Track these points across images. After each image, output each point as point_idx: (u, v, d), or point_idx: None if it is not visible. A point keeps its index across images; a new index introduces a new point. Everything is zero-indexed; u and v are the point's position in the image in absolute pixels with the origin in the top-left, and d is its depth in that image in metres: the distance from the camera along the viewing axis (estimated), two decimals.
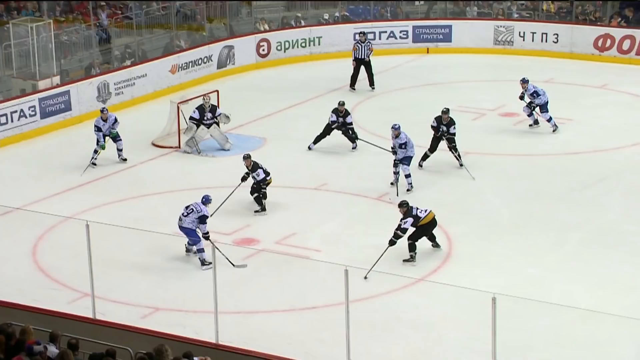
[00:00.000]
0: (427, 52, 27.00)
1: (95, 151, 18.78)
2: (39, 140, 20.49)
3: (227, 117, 19.75)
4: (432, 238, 15.06)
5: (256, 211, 16.49)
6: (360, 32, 23.99)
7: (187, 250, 14.90)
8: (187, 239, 14.72)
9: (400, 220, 14.51)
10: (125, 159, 19.08)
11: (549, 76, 24.44)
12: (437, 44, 27.03)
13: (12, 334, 10.23)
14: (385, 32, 26.78)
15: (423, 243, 14.89)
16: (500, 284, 13.18)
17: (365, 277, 13.91)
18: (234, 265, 14.24)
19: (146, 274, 14.49)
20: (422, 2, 28.16)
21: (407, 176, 17.44)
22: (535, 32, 26.37)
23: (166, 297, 13.80)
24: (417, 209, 14.65)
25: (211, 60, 24.79)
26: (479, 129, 20.89)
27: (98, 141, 18.80)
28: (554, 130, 20.35)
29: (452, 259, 14.88)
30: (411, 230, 14.62)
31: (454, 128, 18.38)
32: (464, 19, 27.41)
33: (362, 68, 23.40)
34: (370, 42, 23.58)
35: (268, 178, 16.58)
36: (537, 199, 17.12)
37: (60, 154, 19.62)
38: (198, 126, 19.47)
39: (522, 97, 20.67)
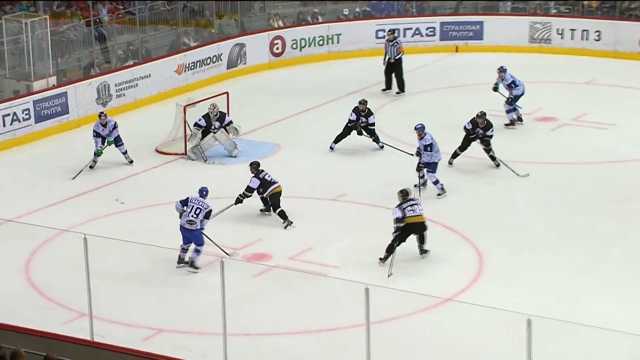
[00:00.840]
0: (456, 51, 27.01)
1: (94, 160, 18.94)
2: (33, 146, 20.63)
3: (237, 129, 19.85)
4: (421, 238, 15.29)
5: (286, 226, 16.48)
6: (389, 30, 24.01)
7: (181, 261, 14.92)
8: (179, 249, 14.77)
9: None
10: (132, 161, 19.25)
11: (590, 77, 24.40)
12: (467, 42, 27.03)
13: (3, 357, 10.29)
14: (411, 29, 26.81)
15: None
16: (534, 304, 13.17)
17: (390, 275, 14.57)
18: (228, 255, 14.54)
19: (149, 292, 14.55)
20: None
21: (435, 182, 17.54)
22: (575, 30, 26.33)
23: (170, 317, 13.84)
24: (413, 206, 15.00)
25: (220, 60, 24.88)
26: (512, 134, 20.86)
27: (96, 147, 18.95)
28: (507, 125, 20.68)
29: (482, 276, 14.86)
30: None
31: (492, 131, 18.56)
32: (496, 14, 27.40)
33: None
34: (398, 42, 23.56)
35: (271, 189, 16.56)
36: (574, 210, 17.08)
37: (57, 161, 19.73)
38: (205, 134, 19.57)
39: (495, 89, 21.06)
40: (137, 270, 15.00)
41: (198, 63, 24.36)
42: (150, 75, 23.27)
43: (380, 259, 15.12)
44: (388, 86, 23.60)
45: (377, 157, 19.41)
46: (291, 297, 14.21)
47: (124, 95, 22.73)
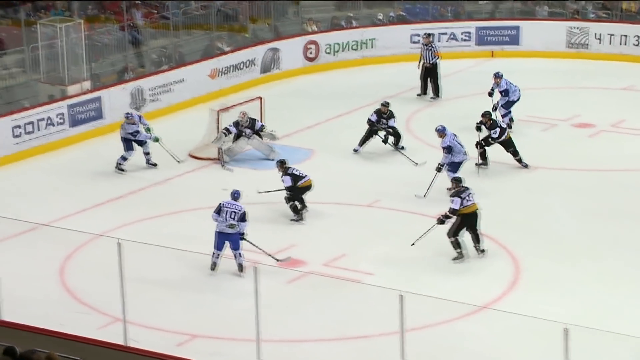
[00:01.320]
0: (492, 56, 26.91)
1: (147, 152, 19.35)
2: (67, 150, 20.78)
3: (273, 134, 19.94)
4: (476, 238, 15.38)
5: (292, 219, 16.78)
6: (425, 34, 24.00)
7: (214, 266, 14.97)
8: (214, 254, 14.83)
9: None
10: (155, 164, 19.37)
11: (629, 83, 24.23)
12: (503, 47, 26.92)
13: None
14: (446, 33, 26.76)
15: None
16: (572, 313, 13.09)
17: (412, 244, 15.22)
18: (278, 260, 14.78)
19: (182, 297, 14.61)
20: (486, 1, 28.10)
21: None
22: (613, 34, 26.16)
23: (204, 322, 13.89)
24: (468, 195, 15.25)
25: (254, 64, 24.95)
26: (549, 140, 20.78)
27: (142, 142, 19.23)
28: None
29: (519, 284, 14.79)
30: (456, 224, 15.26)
31: (495, 132, 18.65)
32: (533, 19, 27.29)
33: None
34: (434, 46, 23.53)
35: (301, 182, 16.75)
36: (613, 218, 16.96)
37: (91, 166, 19.87)
38: (237, 137, 19.62)
39: (491, 94, 21.14)
40: (171, 276, 15.07)
41: (232, 68, 24.44)
42: (184, 80, 23.38)
43: (458, 257, 15.36)
44: (423, 91, 23.57)
45: (412, 166, 19.32)
46: (325, 303, 14.21)
47: (158, 99, 22.86)
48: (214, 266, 15.03)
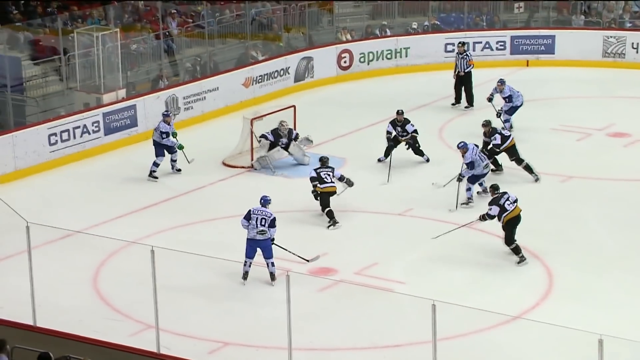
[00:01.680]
0: (527, 65, 26.81)
1: (174, 160, 19.59)
2: (102, 158, 20.92)
3: (309, 139, 20.01)
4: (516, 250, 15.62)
5: (329, 226, 17.01)
6: (459, 43, 23.96)
7: (246, 275, 15.00)
8: (246, 263, 14.86)
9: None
10: (180, 169, 19.56)
11: None
12: (538, 56, 26.81)
13: None
14: (481, 42, 26.69)
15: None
16: (607, 324, 12.95)
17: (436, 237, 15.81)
18: (307, 260, 14.86)
19: (214, 305, 14.65)
20: (521, 10, 27.99)
21: (467, 190, 17.73)
22: None
23: (235, 330, 13.92)
24: (507, 199, 15.53)
25: (288, 73, 25.01)
26: (584, 150, 20.66)
27: (171, 149, 19.43)
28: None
29: (552, 294, 14.70)
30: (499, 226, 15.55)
31: (495, 139, 18.63)
32: (568, 28, 27.15)
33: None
34: (468, 54, 23.49)
35: (324, 185, 17.17)
36: None
37: (125, 173, 19.99)
38: (273, 146, 19.74)
39: (490, 99, 21.28)
40: (203, 283, 15.12)
41: (265, 76, 24.52)
42: (218, 88, 23.48)
43: (520, 261, 15.54)
44: (457, 100, 23.52)
45: (443, 171, 19.26)
46: (357, 312, 14.20)
47: (192, 108, 22.97)
48: (245, 275, 15.04)
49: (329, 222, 17.07)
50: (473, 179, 17.75)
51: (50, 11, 24.26)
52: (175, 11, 25.33)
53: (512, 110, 21.26)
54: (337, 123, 22.25)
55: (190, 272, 15.14)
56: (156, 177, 19.50)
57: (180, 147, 19.65)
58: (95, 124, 21.12)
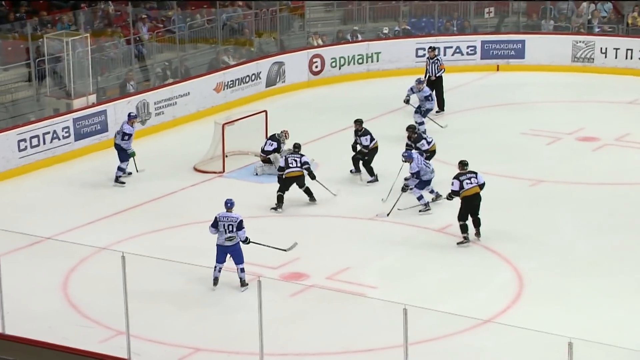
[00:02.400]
0: (497, 70, 26.91)
1: (123, 166, 19.41)
2: (72, 163, 20.79)
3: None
4: (476, 222, 16.16)
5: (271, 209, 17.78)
6: (429, 47, 23.96)
7: (217, 282, 14.91)
8: (216, 268, 14.79)
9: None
10: (130, 173, 19.67)
11: (634, 97, 24.22)
12: (508, 61, 26.93)
13: None
14: (451, 47, 26.77)
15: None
16: (578, 328, 13.03)
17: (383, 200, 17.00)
18: (285, 250, 15.04)
19: (185, 311, 14.58)
20: (492, 15, 28.11)
21: (419, 198, 17.73)
22: (619, 48, 26.14)
23: (207, 336, 13.85)
24: (468, 178, 16.14)
25: (259, 78, 24.97)
26: (554, 154, 20.74)
27: (125, 155, 19.37)
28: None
29: (523, 298, 14.73)
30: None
31: (422, 144, 18.74)
32: (538, 33, 27.27)
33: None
34: (439, 59, 23.53)
35: (287, 171, 17.78)
36: (619, 232, 16.91)
37: (95, 179, 19.87)
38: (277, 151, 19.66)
39: (407, 101, 21.58)
40: (174, 289, 15.04)
41: (237, 81, 24.46)
42: (189, 93, 23.40)
43: (463, 241, 16.16)
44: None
45: None
46: (329, 317, 14.17)
47: (163, 113, 22.87)
48: (216, 281, 14.97)
49: (275, 205, 17.56)
50: (420, 185, 17.73)
51: (20, 16, 24.07)
52: (146, 16, 25.21)
53: (425, 113, 21.50)
54: (309, 128, 22.22)
55: (161, 278, 15.06)
56: (123, 182, 19.39)
57: (132, 155, 19.46)
58: (65, 130, 20.98)
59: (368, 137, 19.24)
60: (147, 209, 18.41)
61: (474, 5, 27.69)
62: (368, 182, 19.12)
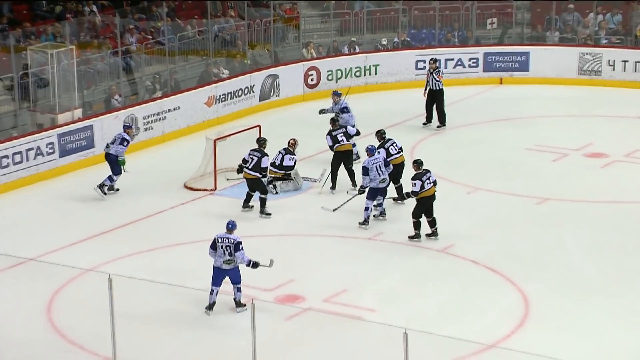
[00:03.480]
0: (501, 83, 26.97)
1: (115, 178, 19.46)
2: (57, 181, 20.77)
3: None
4: (432, 223, 16.97)
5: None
6: (431, 59, 23.91)
7: (211, 306, 14.84)
8: (212, 292, 14.73)
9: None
10: (118, 189, 19.69)
11: None
12: (512, 74, 26.99)
13: None
14: (452, 59, 26.84)
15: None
16: (585, 352, 13.00)
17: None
18: (269, 265, 14.96)
19: (176, 335, 14.52)
20: (494, 26, 28.20)
21: (365, 209, 17.87)
22: (627, 61, 26.23)
23: None
24: (428, 178, 16.89)
25: (253, 92, 25.00)
26: (561, 171, 20.75)
27: (117, 168, 19.45)
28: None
29: (528, 322, 14.69)
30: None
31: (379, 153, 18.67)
32: (543, 45, 27.35)
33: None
34: (440, 71, 23.48)
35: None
36: (629, 253, 16.90)
37: (81, 197, 19.84)
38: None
39: (323, 111, 21.66)
40: (164, 312, 14.98)
41: (229, 95, 24.49)
42: (179, 107, 23.41)
43: (414, 236, 17.07)
44: (429, 120, 23.56)
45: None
46: (325, 341, 14.13)
47: (152, 128, 22.87)
48: (211, 307, 14.85)
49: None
50: (371, 194, 17.83)
51: (1, 27, 24.08)
52: (134, 27, 25.24)
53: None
54: (305, 143, 22.14)
55: (149, 301, 15.01)
56: (104, 193, 19.48)
57: (122, 163, 19.46)
58: (49, 146, 20.96)
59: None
60: (135, 228, 18.38)
61: (476, 16, 27.77)
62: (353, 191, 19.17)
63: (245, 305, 14.77)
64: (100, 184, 19.53)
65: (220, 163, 20.07)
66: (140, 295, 14.83)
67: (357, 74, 26.56)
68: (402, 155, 18.83)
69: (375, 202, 17.92)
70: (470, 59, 26.96)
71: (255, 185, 18.47)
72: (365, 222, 17.92)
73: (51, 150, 20.99)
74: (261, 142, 18.77)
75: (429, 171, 17.08)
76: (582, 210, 18.63)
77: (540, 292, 15.48)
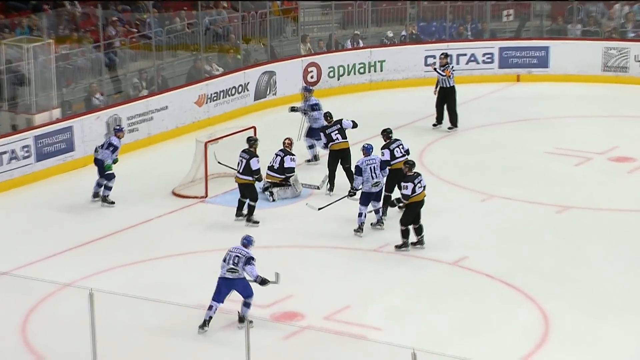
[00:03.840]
0: (518, 80, 27.01)
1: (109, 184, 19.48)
2: (33, 187, 20.77)
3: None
4: (419, 230, 17.22)
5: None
6: (442, 54, 23.82)
7: (207, 323, 14.79)
8: (212, 307, 14.69)
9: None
10: (113, 202, 19.55)
11: None
12: (530, 70, 27.03)
13: None
14: (465, 54, 26.87)
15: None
16: None
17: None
18: (276, 280, 14.84)
19: (162, 356, 14.52)
20: (511, 18, 28.23)
21: (359, 215, 18.01)
22: None
23: None
24: (420, 182, 17.08)
25: (247, 90, 25.04)
26: (583, 176, 20.76)
27: (109, 174, 19.41)
28: (308, 161, 21.21)
29: (549, 342, 14.69)
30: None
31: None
32: (564, 39, 27.39)
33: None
34: (449, 66, 23.40)
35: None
36: None
37: (60, 205, 19.85)
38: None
39: (294, 109, 21.74)
40: (150, 331, 14.97)
41: (222, 93, 24.52)
42: (167, 107, 23.44)
43: (402, 245, 17.18)
44: (439, 121, 23.57)
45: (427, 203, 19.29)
46: None
47: (137, 130, 22.89)
48: (205, 323, 14.76)
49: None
50: (364, 199, 17.92)
51: None
52: (117, 19, 25.27)
53: (315, 134, 21.20)
54: (304, 146, 22.21)
55: (134, 319, 14.99)
56: (112, 202, 19.49)
57: (108, 167, 19.43)
58: (25, 149, 20.98)
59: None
60: (118, 239, 18.38)
61: (490, 7, 27.80)
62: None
63: (252, 322, 14.72)
64: (102, 198, 19.45)
65: (211, 168, 20.08)
66: (123, 312, 14.81)
67: (361, 70, 26.60)
68: (406, 159, 18.64)
69: (370, 208, 17.92)
70: (484, 54, 27.00)
71: (247, 190, 18.45)
72: (359, 229, 17.98)
73: (27, 154, 21.01)
74: (251, 142, 18.71)
75: (420, 174, 17.23)
76: (607, 220, 18.63)
77: (561, 310, 15.46)
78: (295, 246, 17.80)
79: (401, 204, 17.45)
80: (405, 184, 17.07)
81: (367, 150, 18.16)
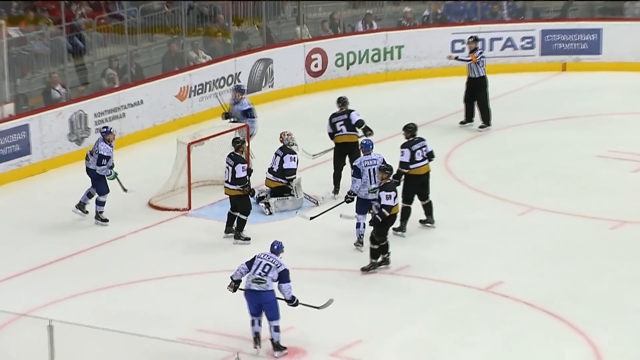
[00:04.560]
0: (563, 70, 27.05)
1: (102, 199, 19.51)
2: None
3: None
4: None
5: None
6: (470, 37, 23.86)
7: (257, 338, 14.89)
8: (254, 322, 14.86)
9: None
10: (107, 220, 19.59)
11: None
12: (578, 57, 27.08)
13: None
14: (500, 39, 26.94)
15: None
16: None
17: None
18: (318, 307, 15.16)
19: None
20: None
21: (357, 226, 18.21)
22: None
23: None
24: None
25: (239, 81, 25.06)
26: (623, 184, 20.82)
27: (103, 185, 19.44)
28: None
29: None
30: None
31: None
32: (620, 19, 27.47)
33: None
34: (479, 51, 23.42)
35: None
36: None
37: (15, 219, 19.94)
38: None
39: (228, 115, 21.63)
40: None
41: (208, 85, 24.55)
42: (142, 101, 23.51)
43: (370, 267, 17.40)
44: (468, 118, 23.62)
45: (450, 212, 19.37)
46: None
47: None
48: (256, 341, 14.94)
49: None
50: (359, 207, 18.06)
51: None
52: None
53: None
54: (307, 148, 22.27)
55: (103, 355, 15.05)
56: (106, 220, 19.52)
57: (115, 176, 19.48)
58: None
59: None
60: (86, 259, 18.44)
61: None
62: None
63: (285, 348, 14.82)
64: (95, 215, 19.51)
65: (196, 174, 20.12)
66: (90, 347, 14.86)
67: (375, 57, 26.66)
68: (427, 164, 18.74)
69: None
70: (523, 39, 27.08)
71: (238, 202, 18.49)
72: (358, 242, 18.15)
73: None
74: (238, 144, 18.59)
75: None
76: None
77: (615, 344, 15.51)
78: (295, 268, 17.79)
79: (378, 216, 17.24)
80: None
81: (366, 147, 18.26)
